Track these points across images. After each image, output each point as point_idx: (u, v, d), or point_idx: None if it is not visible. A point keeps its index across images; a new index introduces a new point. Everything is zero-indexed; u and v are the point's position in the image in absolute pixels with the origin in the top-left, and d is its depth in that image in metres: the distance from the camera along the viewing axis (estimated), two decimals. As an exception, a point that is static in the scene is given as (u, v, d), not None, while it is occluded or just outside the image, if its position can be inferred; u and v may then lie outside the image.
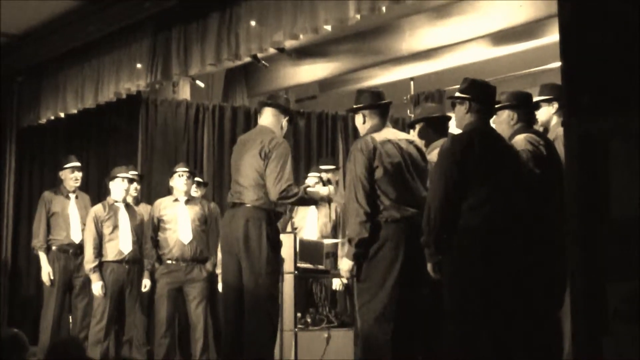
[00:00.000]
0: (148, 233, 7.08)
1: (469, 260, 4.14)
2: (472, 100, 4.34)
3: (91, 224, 6.94)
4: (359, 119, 4.87)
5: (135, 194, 7.53)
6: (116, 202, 7.04)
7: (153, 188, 8.43)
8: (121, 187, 7.03)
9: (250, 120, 9.10)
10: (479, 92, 4.36)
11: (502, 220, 4.21)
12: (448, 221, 4.17)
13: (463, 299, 4.15)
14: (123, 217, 7.00)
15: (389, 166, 4.61)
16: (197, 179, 7.48)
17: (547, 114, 5.10)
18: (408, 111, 8.19)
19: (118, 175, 7.04)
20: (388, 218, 4.56)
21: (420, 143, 4.94)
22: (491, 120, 4.55)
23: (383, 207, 4.57)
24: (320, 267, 6.46)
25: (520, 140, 4.49)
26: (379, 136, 4.70)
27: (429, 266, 4.32)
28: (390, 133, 4.79)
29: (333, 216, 7.11)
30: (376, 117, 4.83)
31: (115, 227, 6.94)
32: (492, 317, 4.14)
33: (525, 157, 4.40)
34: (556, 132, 4.86)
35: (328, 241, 6.72)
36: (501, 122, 4.66)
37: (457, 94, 4.41)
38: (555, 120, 5.10)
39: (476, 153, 4.21)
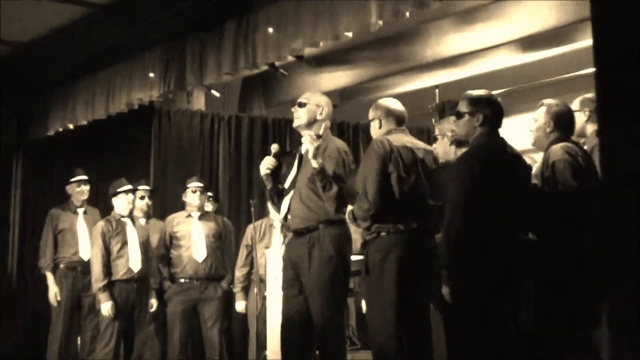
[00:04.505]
0: (160, 250, 7.11)
1: (484, 276, 4.15)
2: (485, 113, 4.38)
3: (99, 239, 6.80)
4: (374, 124, 4.88)
5: (147, 209, 7.53)
6: (122, 217, 6.96)
7: (167, 202, 8.40)
8: (125, 200, 6.94)
9: (267, 131, 9.12)
10: (489, 104, 4.42)
11: (517, 235, 4.27)
12: (470, 240, 4.17)
13: (476, 322, 4.17)
14: (131, 232, 6.91)
15: (403, 174, 4.61)
16: (208, 193, 7.50)
17: (579, 122, 5.08)
18: (433, 120, 8.16)
19: (119, 190, 6.94)
20: (391, 229, 4.56)
21: (437, 154, 4.98)
22: (529, 129, 4.64)
23: (388, 216, 4.57)
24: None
25: (557, 150, 4.48)
26: (397, 140, 4.70)
27: (445, 290, 4.32)
28: (408, 139, 4.78)
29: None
30: (393, 122, 4.84)
31: (124, 243, 6.82)
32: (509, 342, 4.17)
33: (563, 167, 4.39)
34: (594, 142, 4.83)
35: (354, 258, 6.67)
36: (538, 129, 4.66)
37: (466, 107, 4.43)
38: (590, 128, 5.10)
39: (492, 167, 4.26)
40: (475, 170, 4.23)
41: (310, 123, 5.05)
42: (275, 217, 6.83)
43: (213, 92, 8.23)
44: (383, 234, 4.57)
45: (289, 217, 5.02)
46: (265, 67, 7.07)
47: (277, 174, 5.10)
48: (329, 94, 9.00)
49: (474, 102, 4.43)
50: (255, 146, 9.05)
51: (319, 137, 4.94)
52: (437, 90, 8.46)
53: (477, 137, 4.39)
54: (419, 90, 8.53)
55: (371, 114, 4.92)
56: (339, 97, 9.36)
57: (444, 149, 5.14)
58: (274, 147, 5.17)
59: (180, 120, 8.87)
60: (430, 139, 6.37)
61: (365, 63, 8.37)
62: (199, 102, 9.19)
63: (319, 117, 5.07)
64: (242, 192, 8.84)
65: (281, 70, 7.30)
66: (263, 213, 7.71)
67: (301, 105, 5.08)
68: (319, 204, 4.85)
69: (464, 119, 4.43)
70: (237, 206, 8.80)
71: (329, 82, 8.66)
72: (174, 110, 8.86)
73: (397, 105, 4.93)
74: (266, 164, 5.07)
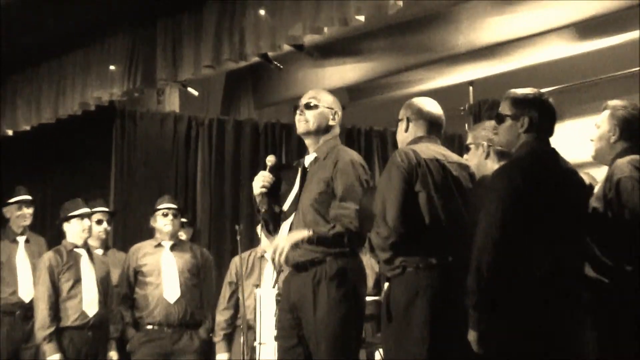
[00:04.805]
0: (121, 289, 7.10)
1: (524, 322, 4.11)
2: (532, 116, 4.37)
3: (45, 276, 6.76)
4: (401, 127, 4.89)
5: (105, 237, 7.55)
6: (76, 247, 6.94)
7: (130, 228, 8.43)
8: (79, 227, 6.93)
9: (258, 137, 9.17)
10: (537, 105, 4.41)
11: (571, 272, 4.23)
12: (506, 274, 4.13)
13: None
14: (86, 267, 6.92)
15: (433, 193, 4.58)
16: (182, 219, 7.54)
17: None
18: (466, 125, 8.16)
19: (73, 214, 6.93)
20: (420, 263, 4.52)
21: (474, 169, 4.96)
22: (589, 138, 4.64)
23: (417, 248, 4.54)
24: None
25: (623, 165, 4.47)
26: (425, 152, 4.67)
27: (473, 336, 4.26)
28: (439, 151, 4.76)
29: (376, 267, 7.06)
30: (423, 127, 4.83)
31: (77, 280, 6.82)
32: None
33: (631, 187, 4.39)
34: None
35: (368, 299, 6.63)
36: (600, 138, 4.67)
37: (508, 109, 4.43)
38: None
39: (539, 183, 4.24)
40: (516, 185, 4.19)
41: (321, 130, 5.04)
42: (269, 247, 6.80)
43: (190, 89, 8.21)
44: (410, 269, 4.52)
45: None
46: (255, 59, 7.08)
47: (273, 193, 5.06)
48: (334, 92, 9.05)
49: (518, 102, 4.42)
50: (242, 157, 9.10)
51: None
52: (470, 88, 8.55)
53: (521, 145, 4.38)
54: (447, 88, 8.60)
55: (400, 113, 4.92)
56: (347, 96, 9.37)
57: (478, 162, 5.10)
58: (270, 160, 5.12)
59: (149, 124, 8.93)
60: (461, 148, 6.34)
61: (381, 54, 8.43)
62: (172, 102, 9.29)
63: (331, 122, 5.07)
64: (225, 215, 8.86)
65: (275, 63, 7.29)
66: (252, 242, 7.70)
67: (309, 107, 5.04)
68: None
69: (506, 124, 4.42)
70: (220, 233, 8.82)
71: (335, 77, 8.71)
72: (140, 112, 8.91)
73: (432, 107, 4.91)
74: (261, 181, 5.02)
